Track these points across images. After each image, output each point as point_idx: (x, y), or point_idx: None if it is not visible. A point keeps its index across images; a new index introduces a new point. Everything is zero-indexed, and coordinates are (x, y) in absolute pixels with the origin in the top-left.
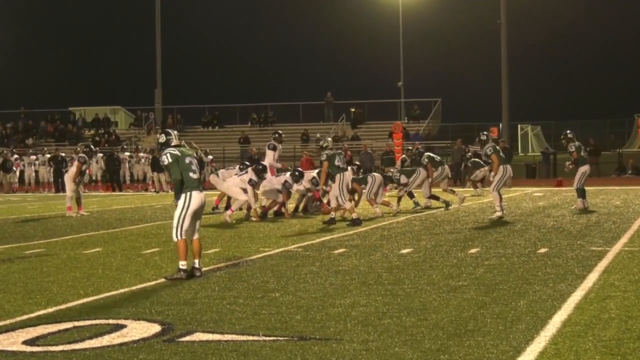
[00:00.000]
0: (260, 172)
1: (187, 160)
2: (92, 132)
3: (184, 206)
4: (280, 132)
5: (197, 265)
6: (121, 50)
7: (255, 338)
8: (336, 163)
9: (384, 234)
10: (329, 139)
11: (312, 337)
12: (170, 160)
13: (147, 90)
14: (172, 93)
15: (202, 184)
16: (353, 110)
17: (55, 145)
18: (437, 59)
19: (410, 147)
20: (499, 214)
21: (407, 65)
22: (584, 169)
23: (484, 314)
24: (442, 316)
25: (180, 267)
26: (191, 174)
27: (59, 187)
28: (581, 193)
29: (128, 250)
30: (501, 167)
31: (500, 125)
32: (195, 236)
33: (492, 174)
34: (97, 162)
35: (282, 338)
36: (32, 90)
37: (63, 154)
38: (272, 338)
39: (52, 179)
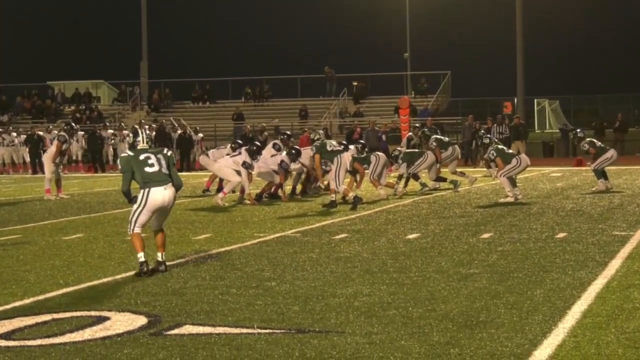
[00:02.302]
0: (254, 153)
1: (142, 156)
2: (73, 108)
3: (139, 204)
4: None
5: (160, 259)
6: (104, 19)
7: (250, 331)
8: (328, 149)
9: (389, 218)
10: (321, 131)
11: (311, 330)
12: (120, 166)
13: (132, 62)
14: (159, 66)
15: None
16: (355, 84)
17: (32, 123)
18: (447, 28)
19: (417, 125)
20: (510, 199)
21: (414, 35)
22: (609, 154)
23: (497, 304)
24: (451, 307)
25: (139, 259)
26: (147, 169)
27: (36, 168)
28: (600, 174)
29: (112, 236)
30: (514, 158)
31: (515, 100)
32: (159, 228)
33: (499, 174)
34: (77, 140)
35: (278, 331)
36: (7, 63)
37: (40, 133)
38: (267, 331)
39: (28, 159)
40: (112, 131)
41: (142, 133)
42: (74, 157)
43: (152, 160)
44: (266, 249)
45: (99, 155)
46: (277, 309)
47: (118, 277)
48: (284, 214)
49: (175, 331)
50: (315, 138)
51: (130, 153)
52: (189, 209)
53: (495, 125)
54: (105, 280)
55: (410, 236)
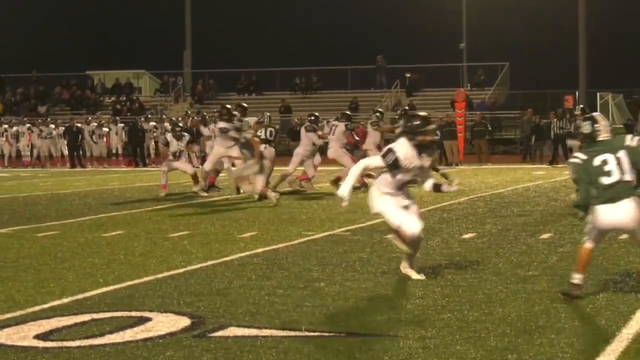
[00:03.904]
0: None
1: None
2: (113, 99)
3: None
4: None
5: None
6: (146, 6)
7: (297, 334)
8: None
9: (444, 217)
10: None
11: (361, 333)
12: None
13: (175, 52)
14: (203, 55)
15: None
16: (408, 75)
17: (71, 114)
18: (505, 17)
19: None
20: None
21: (471, 25)
22: None
23: (558, 308)
24: (509, 310)
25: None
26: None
27: (75, 161)
28: None
29: (153, 234)
30: None
31: (577, 93)
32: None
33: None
34: (117, 133)
35: (327, 334)
36: (46, 51)
37: (79, 125)
38: (316, 334)
39: (67, 152)
40: (153, 123)
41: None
42: (114, 150)
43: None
44: (314, 248)
45: (140, 149)
46: (326, 311)
47: (160, 275)
48: (332, 211)
49: (220, 333)
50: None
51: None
52: (234, 206)
53: (556, 120)
54: (146, 279)
55: (466, 236)
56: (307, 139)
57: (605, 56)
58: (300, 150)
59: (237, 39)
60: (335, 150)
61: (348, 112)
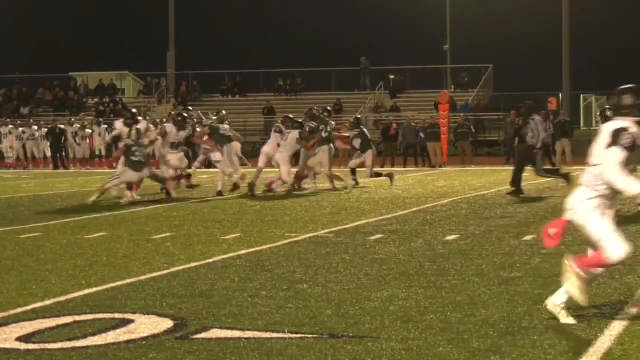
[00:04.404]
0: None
1: None
2: (96, 100)
3: None
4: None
5: None
6: (129, 7)
7: (280, 335)
8: (221, 132)
9: (427, 219)
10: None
11: (344, 335)
12: None
13: (159, 53)
14: (187, 57)
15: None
16: (392, 77)
17: (54, 116)
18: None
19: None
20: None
21: (455, 27)
22: None
23: (540, 310)
24: (492, 312)
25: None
26: None
27: (58, 163)
28: None
29: (136, 235)
30: None
31: (560, 95)
32: None
33: None
34: (100, 134)
35: (310, 336)
36: (29, 53)
37: (62, 126)
38: (299, 335)
39: (49, 153)
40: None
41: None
42: (97, 152)
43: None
44: (298, 250)
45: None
46: (309, 312)
47: (142, 278)
48: (315, 213)
49: (202, 335)
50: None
51: None
52: (217, 208)
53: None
54: (129, 281)
55: (449, 237)
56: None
57: (589, 58)
58: (266, 148)
59: (221, 40)
60: (282, 156)
61: (300, 120)
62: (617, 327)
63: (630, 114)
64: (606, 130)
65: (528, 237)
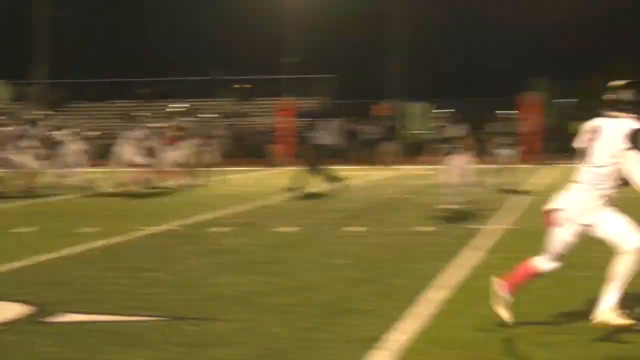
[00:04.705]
0: None
1: None
2: None
3: None
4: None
5: None
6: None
7: (132, 318)
8: None
9: (267, 213)
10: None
11: (188, 317)
12: None
13: (29, 61)
14: (57, 64)
15: None
16: (237, 86)
17: None
18: (328, 33)
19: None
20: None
21: (297, 41)
22: None
23: (365, 293)
24: (320, 295)
25: None
26: None
27: None
28: None
29: None
30: None
31: (381, 102)
32: None
33: None
34: None
35: (158, 318)
36: None
37: None
38: (147, 318)
39: None
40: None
41: None
42: None
43: None
44: (152, 242)
45: None
46: (159, 297)
47: (2, 268)
48: (167, 207)
49: (59, 319)
50: None
51: None
52: (79, 203)
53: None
54: None
55: (287, 229)
56: None
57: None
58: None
59: (92, 47)
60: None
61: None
62: (425, 307)
63: (631, 110)
64: (615, 130)
65: (352, 228)
